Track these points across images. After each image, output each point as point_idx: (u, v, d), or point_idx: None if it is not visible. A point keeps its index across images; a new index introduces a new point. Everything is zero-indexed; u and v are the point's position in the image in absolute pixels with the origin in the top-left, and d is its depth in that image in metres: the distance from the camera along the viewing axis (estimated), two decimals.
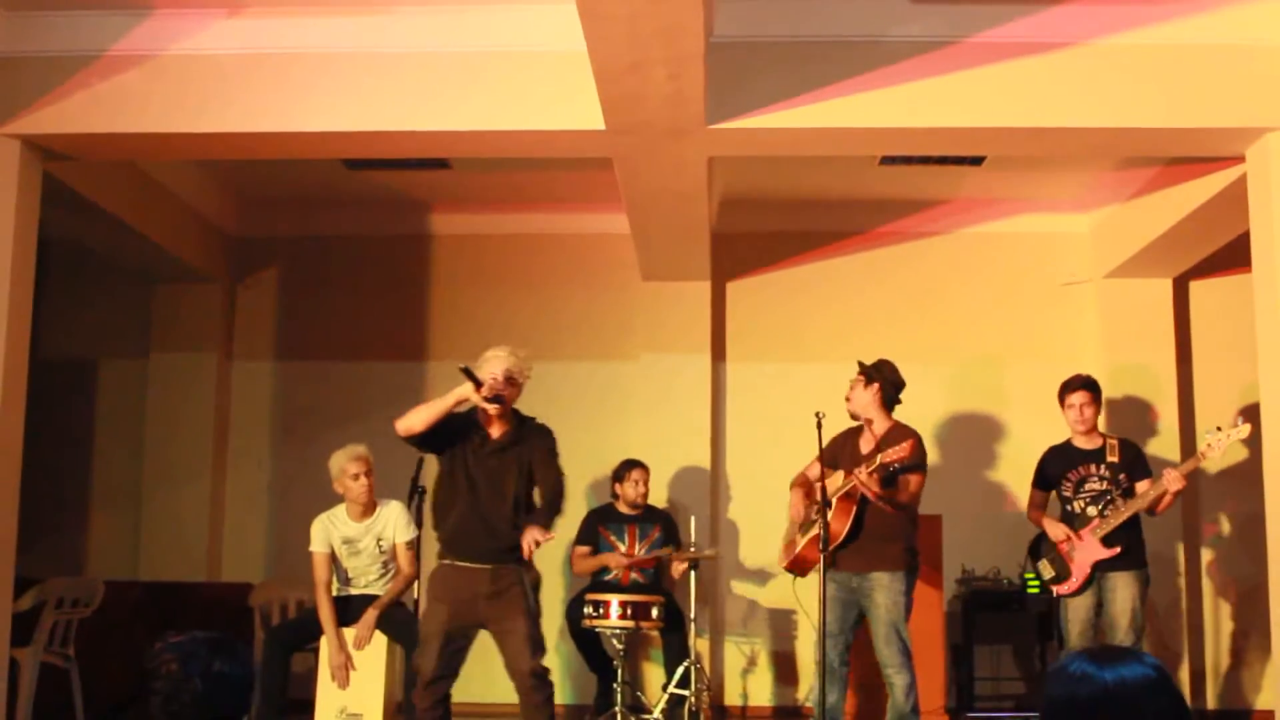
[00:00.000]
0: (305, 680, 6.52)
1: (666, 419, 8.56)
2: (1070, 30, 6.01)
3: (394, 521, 6.41)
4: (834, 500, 5.85)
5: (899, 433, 5.93)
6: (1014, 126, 6.15)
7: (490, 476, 5.56)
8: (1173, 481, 6.02)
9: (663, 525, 7.80)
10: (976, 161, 7.95)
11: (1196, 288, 8.88)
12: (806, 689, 8.40)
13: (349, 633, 6.27)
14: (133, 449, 9.04)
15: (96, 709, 7.21)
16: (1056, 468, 6.44)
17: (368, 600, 6.35)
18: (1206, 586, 8.58)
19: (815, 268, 9.08)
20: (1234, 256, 7.52)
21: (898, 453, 5.68)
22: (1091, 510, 6.26)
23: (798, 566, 6.17)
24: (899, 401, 6.12)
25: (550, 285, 9.13)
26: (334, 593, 6.38)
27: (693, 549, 7.39)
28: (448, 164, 8.08)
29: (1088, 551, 6.19)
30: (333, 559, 6.39)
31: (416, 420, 5.46)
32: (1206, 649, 8.53)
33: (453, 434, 5.56)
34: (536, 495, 5.65)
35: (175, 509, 8.86)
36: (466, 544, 5.56)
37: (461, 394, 5.45)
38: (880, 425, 6.05)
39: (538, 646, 5.53)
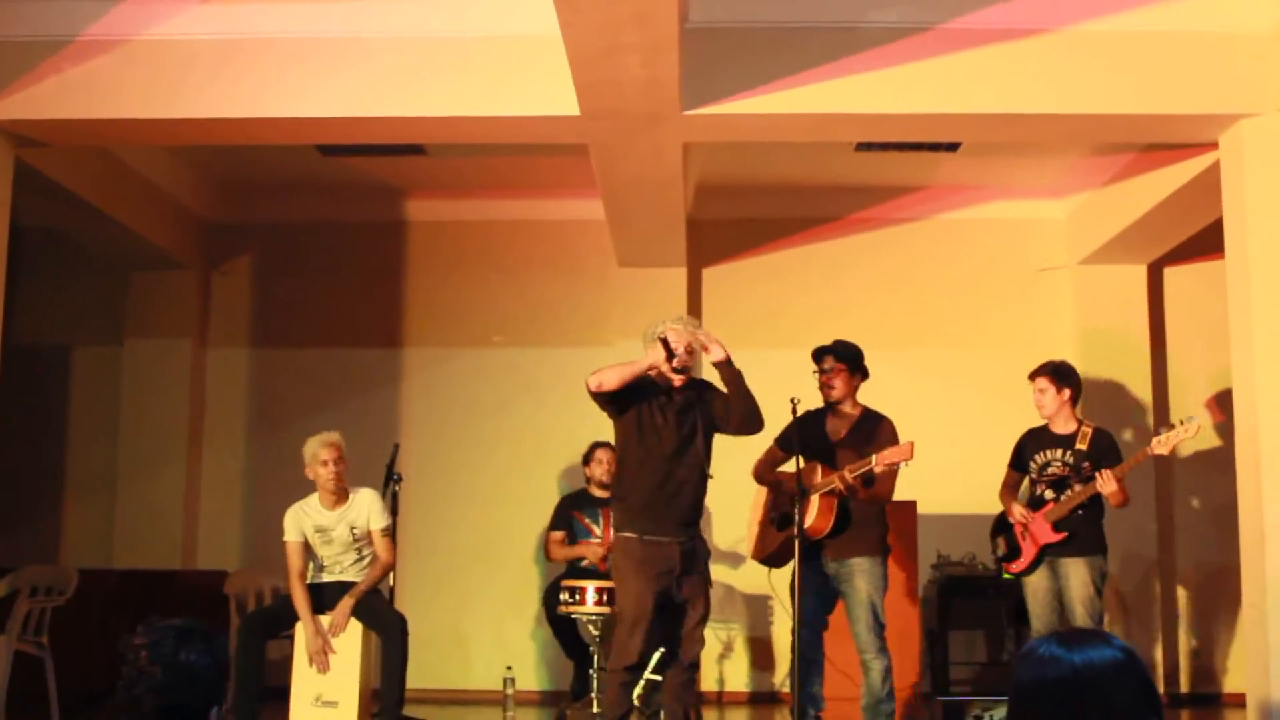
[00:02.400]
0: (281, 668, 6.50)
1: None
2: (1045, 16, 6.03)
3: (367, 509, 6.39)
4: (818, 497, 5.85)
5: (875, 423, 5.93)
6: (989, 112, 6.17)
7: (683, 440, 5.62)
8: (1103, 484, 6.04)
9: None
10: (952, 147, 7.96)
11: (1171, 274, 8.92)
12: (782, 674, 8.42)
13: (325, 619, 6.25)
14: (107, 436, 8.98)
15: (70, 698, 7.17)
16: (1028, 450, 6.48)
17: (342, 587, 6.33)
18: (1179, 570, 8.64)
19: (791, 254, 9.08)
20: (1208, 243, 7.56)
21: (900, 453, 5.66)
22: (1050, 494, 6.31)
23: (773, 559, 6.19)
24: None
25: (526, 271, 9.11)
26: (308, 580, 6.36)
27: None
28: (423, 150, 8.05)
29: (1039, 534, 6.25)
30: (306, 547, 6.37)
31: (611, 377, 5.51)
32: (1179, 632, 8.58)
33: (639, 392, 5.61)
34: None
35: (150, 496, 8.82)
36: (661, 515, 5.58)
37: (655, 360, 5.53)
38: (851, 409, 6.06)
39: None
